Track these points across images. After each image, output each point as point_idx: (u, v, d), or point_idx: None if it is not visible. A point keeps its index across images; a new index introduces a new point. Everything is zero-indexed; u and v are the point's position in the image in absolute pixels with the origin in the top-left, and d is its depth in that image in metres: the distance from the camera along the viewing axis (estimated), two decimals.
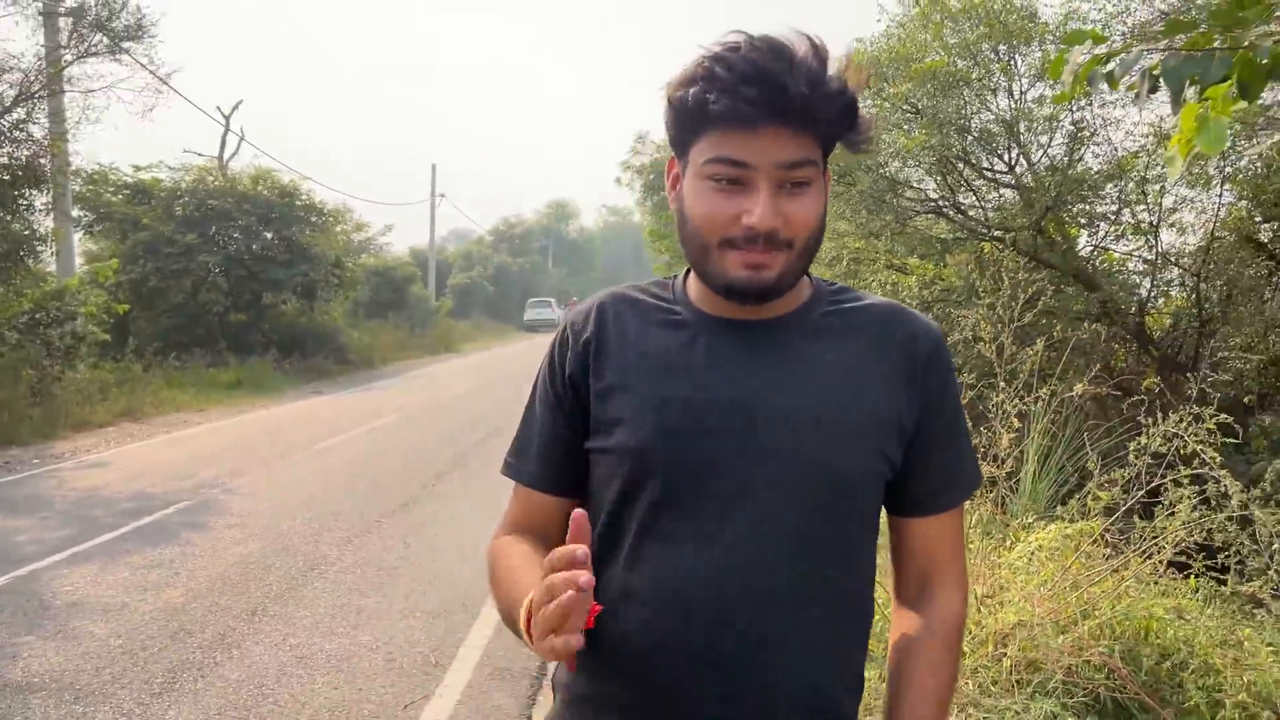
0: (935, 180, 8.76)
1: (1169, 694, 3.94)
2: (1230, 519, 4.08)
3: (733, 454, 1.13)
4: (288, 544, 6.32)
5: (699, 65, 1.11)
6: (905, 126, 8.48)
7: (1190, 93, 2.64)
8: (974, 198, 9.45)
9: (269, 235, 21.26)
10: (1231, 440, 9.02)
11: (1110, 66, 3.05)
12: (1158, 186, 8.97)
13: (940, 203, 8.82)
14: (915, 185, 8.79)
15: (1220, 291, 9.71)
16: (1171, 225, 9.62)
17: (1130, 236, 9.60)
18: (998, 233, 8.43)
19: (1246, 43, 2.59)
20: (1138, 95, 2.93)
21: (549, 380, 1.27)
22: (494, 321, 45.55)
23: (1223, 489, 4.20)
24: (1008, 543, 4.76)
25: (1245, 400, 9.49)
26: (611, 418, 1.19)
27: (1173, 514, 4.09)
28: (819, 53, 1.10)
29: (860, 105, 1.16)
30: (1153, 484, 4.20)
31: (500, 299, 50.82)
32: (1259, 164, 8.47)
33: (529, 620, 1.03)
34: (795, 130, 1.10)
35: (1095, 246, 9.94)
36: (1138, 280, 10.04)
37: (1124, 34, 8.13)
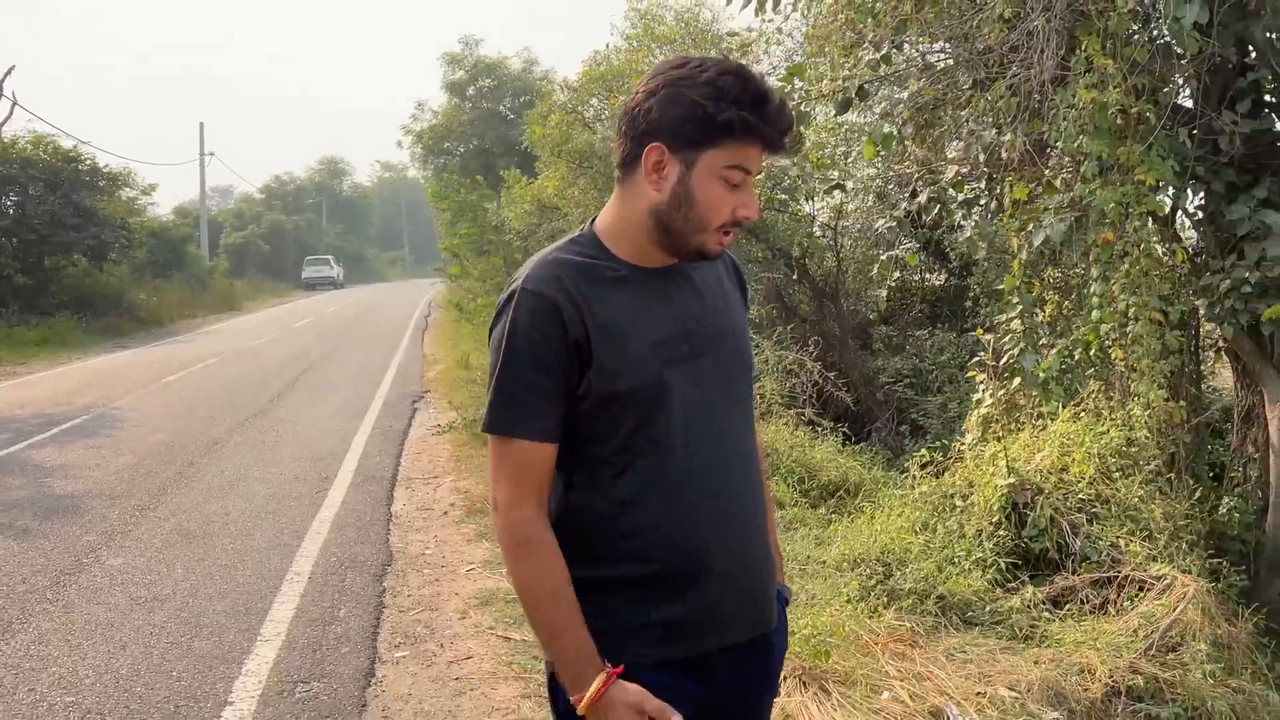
0: None
1: None
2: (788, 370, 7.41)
3: (704, 367, 1.51)
4: (185, 435, 8.75)
5: (742, 89, 1.42)
6: None
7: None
8: None
9: (53, 199, 22.04)
10: (866, 347, 13.05)
11: None
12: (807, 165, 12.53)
13: None
14: None
15: (864, 240, 13.47)
16: (840, 189, 13.26)
17: (811, 200, 13.20)
18: None
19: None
20: None
21: (549, 345, 1.44)
22: (271, 280, 45.91)
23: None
24: None
25: (872, 317, 13.41)
26: (615, 366, 1.44)
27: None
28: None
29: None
30: None
31: (276, 257, 50.96)
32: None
33: (598, 694, 1.43)
34: (773, 152, 1.49)
35: (782, 210, 13.49)
36: (810, 233, 13.64)
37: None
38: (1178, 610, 4.20)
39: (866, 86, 6.64)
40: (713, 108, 1.40)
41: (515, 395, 1.46)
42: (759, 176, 1.58)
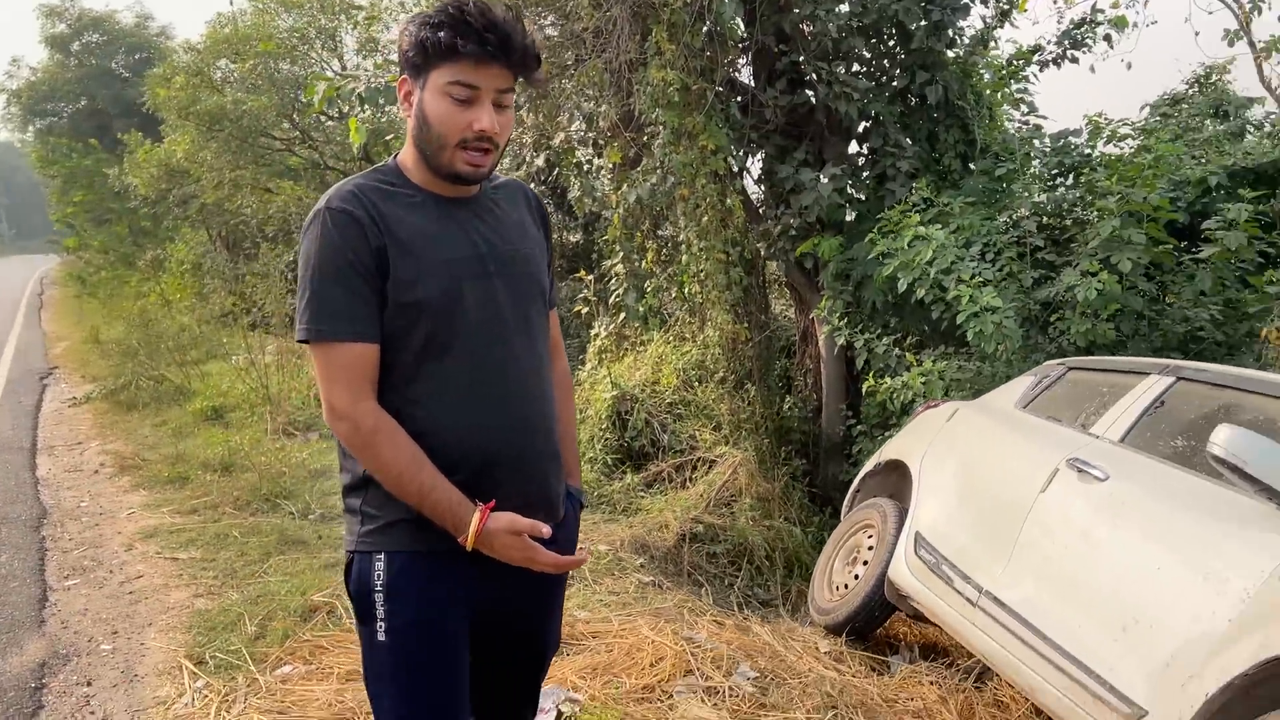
0: (284, 125, 12.08)
1: None
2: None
3: (495, 286, 1.67)
4: None
5: (445, 12, 1.55)
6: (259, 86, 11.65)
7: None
8: (322, 138, 12.98)
9: None
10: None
11: (337, 93, 6.73)
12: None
13: (292, 143, 12.16)
14: (269, 132, 12.01)
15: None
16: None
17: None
18: (333, 164, 12.03)
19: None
20: (357, 107, 6.69)
21: (355, 254, 1.57)
22: None
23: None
24: None
25: None
26: (409, 278, 1.59)
27: None
28: (518, 14, 1.61)
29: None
30: None
31: None
32: None
33: (479, 529, 1.58)
34: (506, 67, 1.59)
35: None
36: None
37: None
38: (728, 476, 5.48)
39: None
40: (417, 31, 1.57)
41: (332, 302, 1.57)
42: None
